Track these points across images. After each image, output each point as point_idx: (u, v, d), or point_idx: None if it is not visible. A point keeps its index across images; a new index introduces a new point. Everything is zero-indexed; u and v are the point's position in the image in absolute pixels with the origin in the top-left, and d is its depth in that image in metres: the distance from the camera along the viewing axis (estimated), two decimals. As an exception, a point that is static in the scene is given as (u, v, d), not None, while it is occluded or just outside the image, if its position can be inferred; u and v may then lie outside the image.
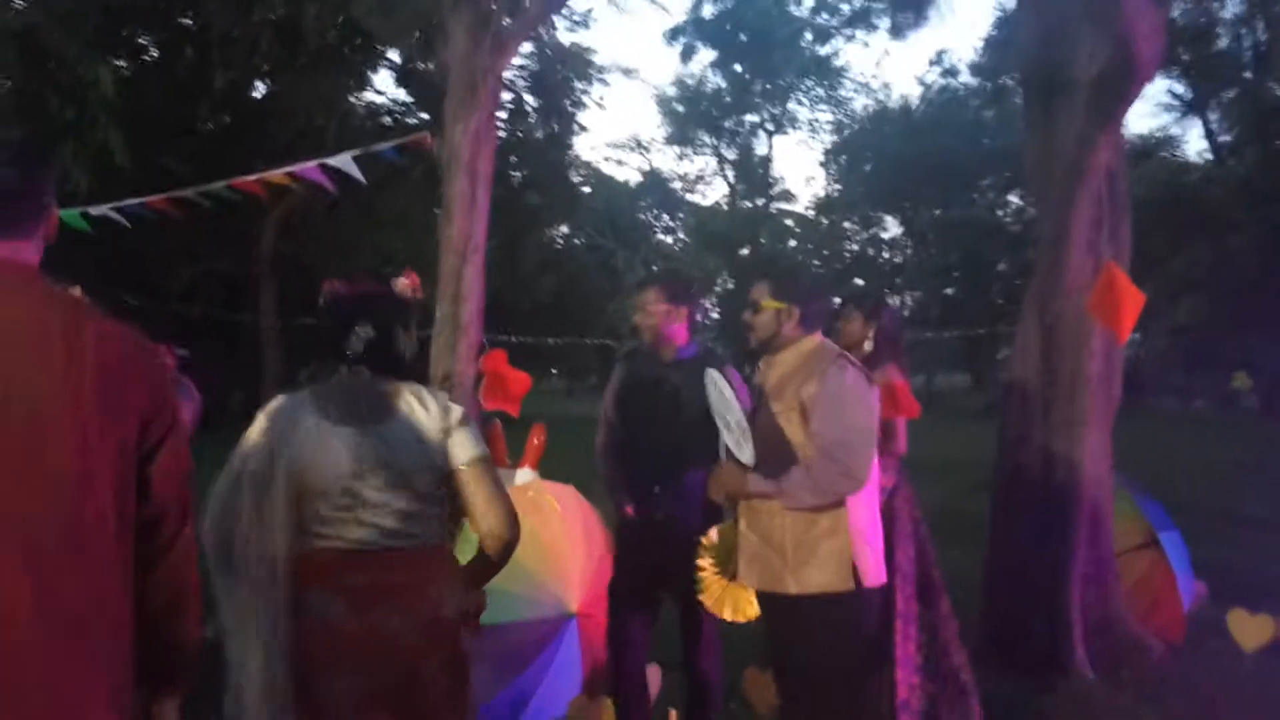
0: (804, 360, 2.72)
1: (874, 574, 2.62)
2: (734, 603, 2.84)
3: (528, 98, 20.27)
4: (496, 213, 5.37)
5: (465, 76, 4.64)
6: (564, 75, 20.85)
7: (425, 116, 18.75)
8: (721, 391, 2.69)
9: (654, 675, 3.46)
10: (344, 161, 4.77)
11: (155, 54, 16.50)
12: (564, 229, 28.82)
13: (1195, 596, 4.81)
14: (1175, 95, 21.73)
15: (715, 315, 40.96)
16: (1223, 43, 19.11)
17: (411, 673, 1.86)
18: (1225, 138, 19.52)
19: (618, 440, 3.34)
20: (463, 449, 1.95)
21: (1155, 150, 29.66)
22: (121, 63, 13.45)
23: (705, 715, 3.25)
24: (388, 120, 19.78)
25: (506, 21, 4.88)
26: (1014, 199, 34.09)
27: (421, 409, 1.96)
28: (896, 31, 14.88)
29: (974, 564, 4.62)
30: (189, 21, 15.86)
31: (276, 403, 1.97)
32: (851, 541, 2.57)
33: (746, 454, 2.58)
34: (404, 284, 2.09)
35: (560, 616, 3.35)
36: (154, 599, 1.45)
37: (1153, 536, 4.64)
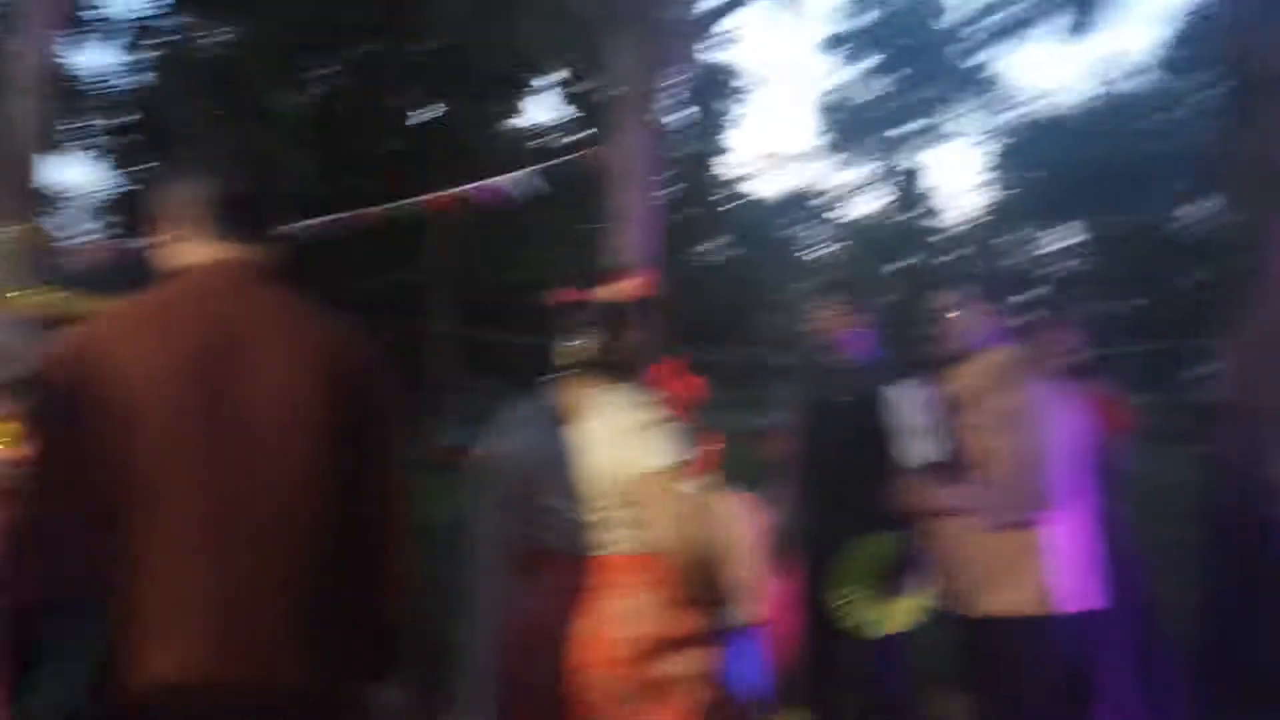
0: (996, 371, 2.60)
1: (1075, 599, 2.46)
2: (889, 615, 2.75)
3: (685, 111, 20.51)
4: (653, 225, 5.45)
5: (627, 95, 4.76)
6: (720, 88, 20.95)
7: (587, 133, 19.31)
8: (900, 402, 2.61)
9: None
10: (515, 179, 4.97)
11: (337, 83, 17.74)
12: (719, 241, 28.85)
13: None
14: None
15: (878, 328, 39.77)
16: None
17: (580, 679, 1.85)
18: None
19: (801, 455, 3.28)
20: (649, 454, 1.88)
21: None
22: (306, 92, 14.48)
23: None
24: (553, 139, 20.47)
25: (667, 40, 4.97)
26: (1202, 205, 31.55)
27: (619, 412, 1.92)
28: (1077, 30, 14.04)
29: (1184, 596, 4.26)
30: (366, 51, 16.94)
31: (512, 408, 2.06)
32: (1048, 562, 2.42)
33: (932, 462, 2.49)
34: (630, 286, 2.07)
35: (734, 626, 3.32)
36: (370, 587, 1.52)
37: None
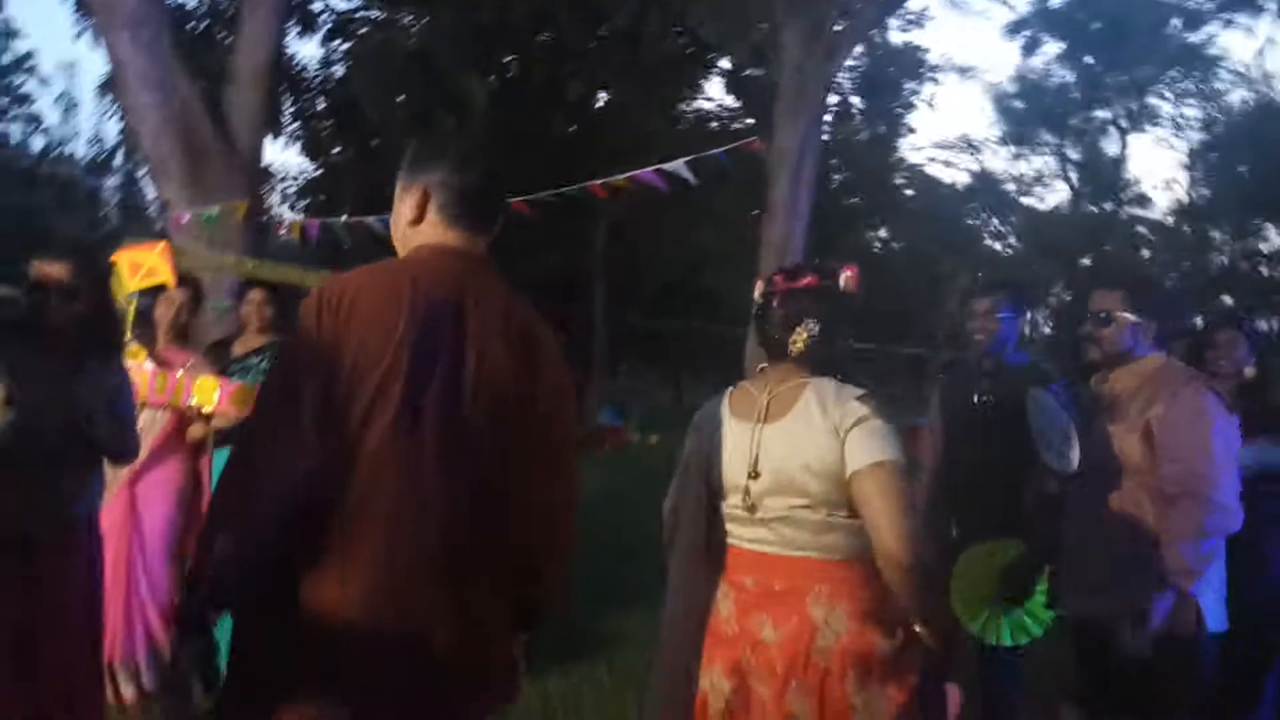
0: (1149, 379, 2.55)
1: (1213, 619, 2.39)
2: (1009, 626, 2.67)
3: (854, 99, 20.10)
4: (814, 214, 5.45)
5: (796, 82, 4.78)
6: (893, 76, 20.38)
7: (751, 121, 19.27)
8: (1044, 405, 2.59)
9: (953, 695, 3.37)
10: (677, 166, 5.11)
11: (517, 70, 18.47)
12: (883, 232, 28.04)
13: None
14: None
15: (1048, 329, 37.78)
16: None
17: (778, 690, 1.74)
18: None
19: (940, 455, 3.25)
20: (859, 452, 1.74)
21: None
22: (491, 79, 15.20)
23: None
24: (716, 125, 20.54)
25: (839, 27, 4.95)
26: None
27: (821, 407, 1.80)
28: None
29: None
30: (545, 38, 17.54)
31: (713, 399, 2.03)
32: (1186, 579, 2.36)
33: (1070, 465, 2.46)
34: (848, 277, 1.95)
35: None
36: (533, 552, 1.66)
37: None
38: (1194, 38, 29.97)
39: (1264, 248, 35.06)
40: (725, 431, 1.92)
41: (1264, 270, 35.17)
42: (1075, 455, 2.47)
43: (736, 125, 20.65)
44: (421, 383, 1.51)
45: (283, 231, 6.74)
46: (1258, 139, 30.52)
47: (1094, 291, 2.73)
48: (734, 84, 20.36)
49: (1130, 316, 2.58)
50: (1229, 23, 28.57)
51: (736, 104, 21.06)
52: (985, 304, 3.14)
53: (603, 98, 19.29)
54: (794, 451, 1.79)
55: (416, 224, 1.68)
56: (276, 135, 16.24)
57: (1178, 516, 2.40)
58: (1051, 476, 2.63)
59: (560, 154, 17.19)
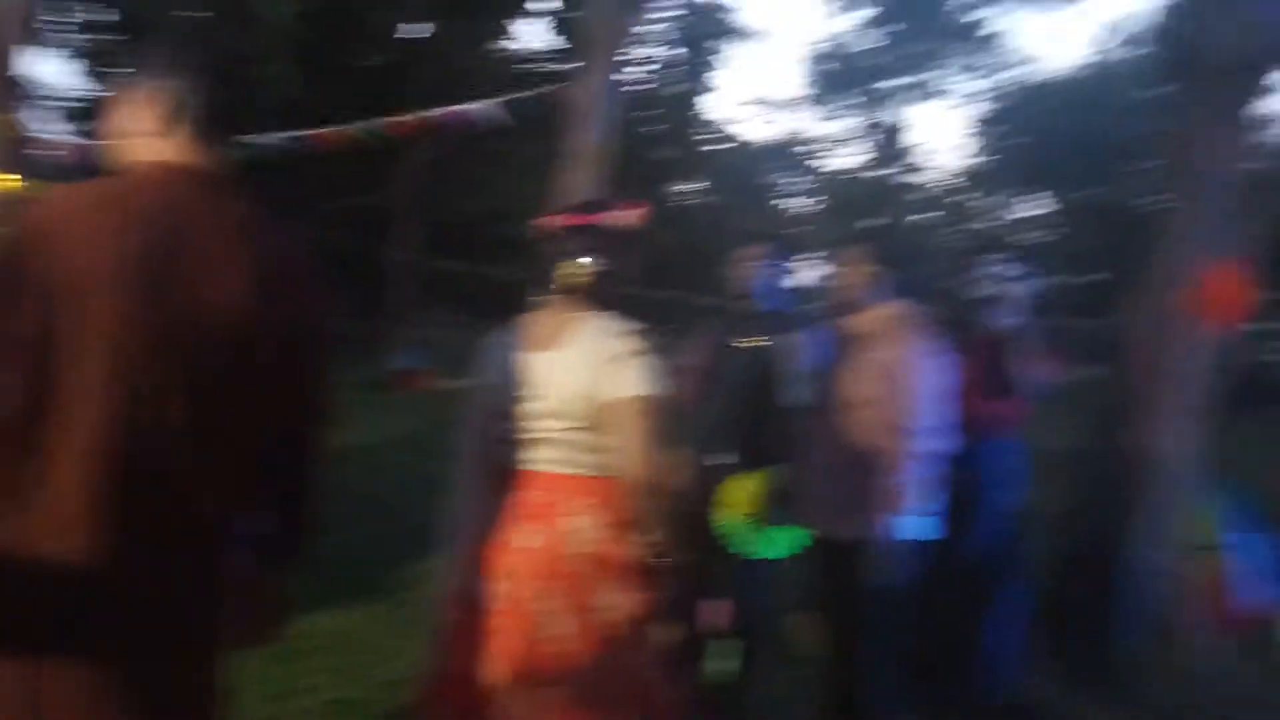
0: (886, 323, 2.92)
1: (915, 529, 2.82)
2: (766, 542, 3.05)
3: (664, 51, 20.39)
4: (620, 165, 5.62)
5: (600, 31, 4.90)
6: (702, 32, 20.81)
7: (573, 65, 19.12)
8: (787, 347, 2.92)
9: (722, 609, 3.72)
10: (492, 106, 5.13)
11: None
12: (689, 185, 28.80)
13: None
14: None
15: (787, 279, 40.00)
16: None
17: (534, 591, 1.92)
18: None
19: (700, 393, 3.54)
20: (622, 383, 1.90)
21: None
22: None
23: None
24: (534, 65, 20.27)
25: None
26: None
27: (595, 339, 1.95)
28: None
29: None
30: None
31: (499, 331, 2.13)
32: (897, 494, 2.77)
33: (798, 401, 2.81)
34: (633, 215, 2.05)
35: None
36: (288, 490, 1.62)
37: (1228, 538, 4.61)
38: (983, 14, 32.39)
39: (1030, 214, 38.79)
40: (510, 360, 2.05)
41: (1031, 234, 39.03)
42: (806, 392, 2.81)
43: (556, 66, 20.50)
44: (136, 313, 1.39)
45: (54, 152, 6.21)
46: (1032, 113, 33.59)
47: (841, 249, 3.07)
48: (554, 25, 20.12)
49: (869, 268, 2.94)
50: (1015, 4, 31.04)
51: (557, 46, 20.85)
52: (746, 255, 3.39)
53: (417, 31, 18.58)
54: (569, 379, 1.94)
55: (139, 135, 1.54)
56: (47, 46, 14.61)
57: (902, 444, 2.79)
58: (794, 411, 2.97)
59: (368, 86, 16.47)
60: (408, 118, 5.51)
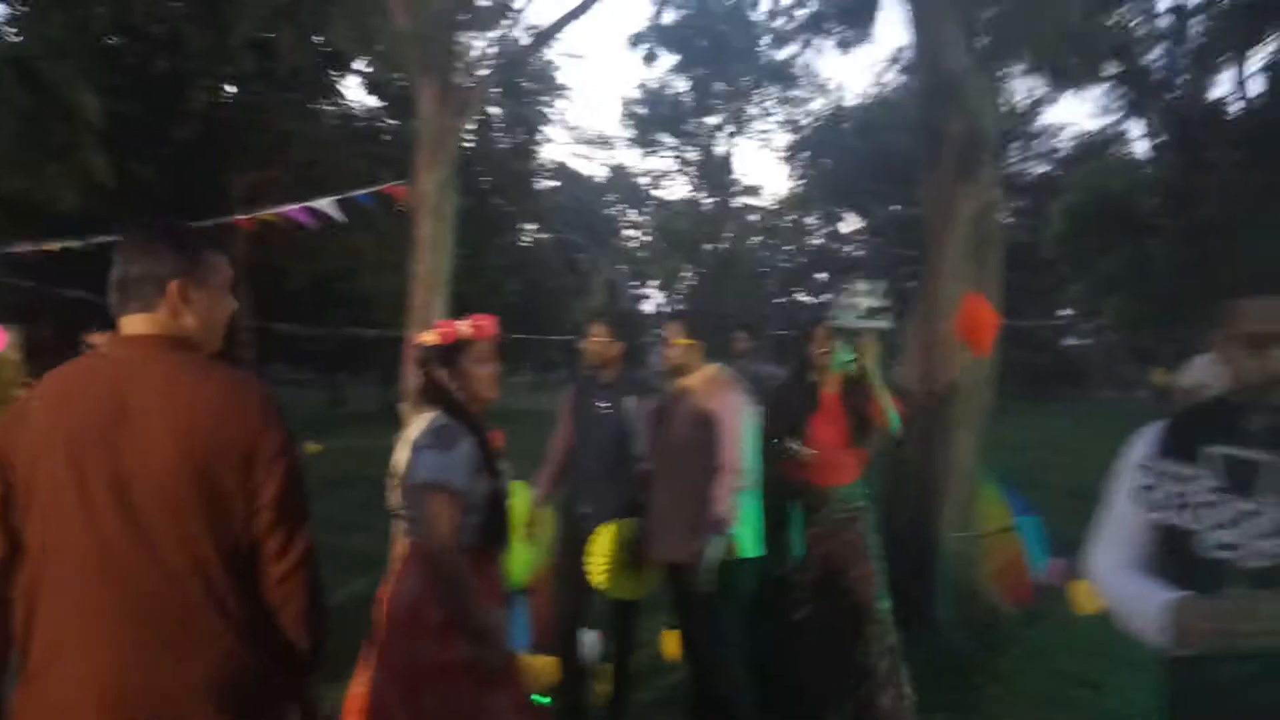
0: (706, 383, 3.57)
1: (750, 549, 3.46)
2: (623, 585, 3.63)
3: (494, 110, 20.99)
4: (465, 220, 6.01)
5: (432, 134, 5.38)
6: (529, 89, 21.53)
7: (394, 122, 19.35)
8: (630, 409, 3.54)
9: (590, 639, 4.23)
10: (328, 204, 5.51)
11: (131, 62, 16.95)
12: (531, 227, 29.52)
13: (1055, 571, 5.67)
14: (1114, 100, 22.82)
15: (679, 308, 41.61)
16: (1154, 54, 20.23)
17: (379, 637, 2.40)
18: (1152, 143, 20.66)
19: (569, 445, 3.99)
20: (416, 470, 2.35)
21: (1102, 150, 30.82)
22: (104, 87, 13.98)
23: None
24: (359, 126, 20.38)
25: (469, 84, 5.63)
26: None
27: (414, 433, 2.42)
28: (844, 46, 15.78)
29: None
30: (164, 36, 16.31)
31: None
32: (727, 525, 3.40)
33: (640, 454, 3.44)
34: (442, 330, 2.54)
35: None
36: (283, 611, 1.62)
37: (1013, 521, 5.51)
38: (782, 54, 34.69)
39: (844, 229, 41.59)
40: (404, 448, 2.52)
41: (847, 249, 41.82)
42: (645, 444, 3.45)
43: (379, 123, 20.69)
44: (80, 484, 1.53)
45: None
46: (835, 138, 36.21)
47: (666, 323, 3.70)
48: (373, 87, 20.33)
49: (685, 341, 3.58)
50: (807, 43, 33.42)
51: (379, 104, 21.05)
52: (596, 329, 3.90)
53: (233, 99, 18.36)
54: (400, 464, 2.44)
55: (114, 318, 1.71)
56: None
57: (720, 481, 3.41)
58: (637, 462, 3.60)
59: (185, 158, 16.18)
60: (244, 218, 5.80)
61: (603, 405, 3.86)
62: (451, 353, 2.51)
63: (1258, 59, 16.60)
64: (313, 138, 17.42)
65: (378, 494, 2.89)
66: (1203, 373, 4.36)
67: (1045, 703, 4.30)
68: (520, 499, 3.51)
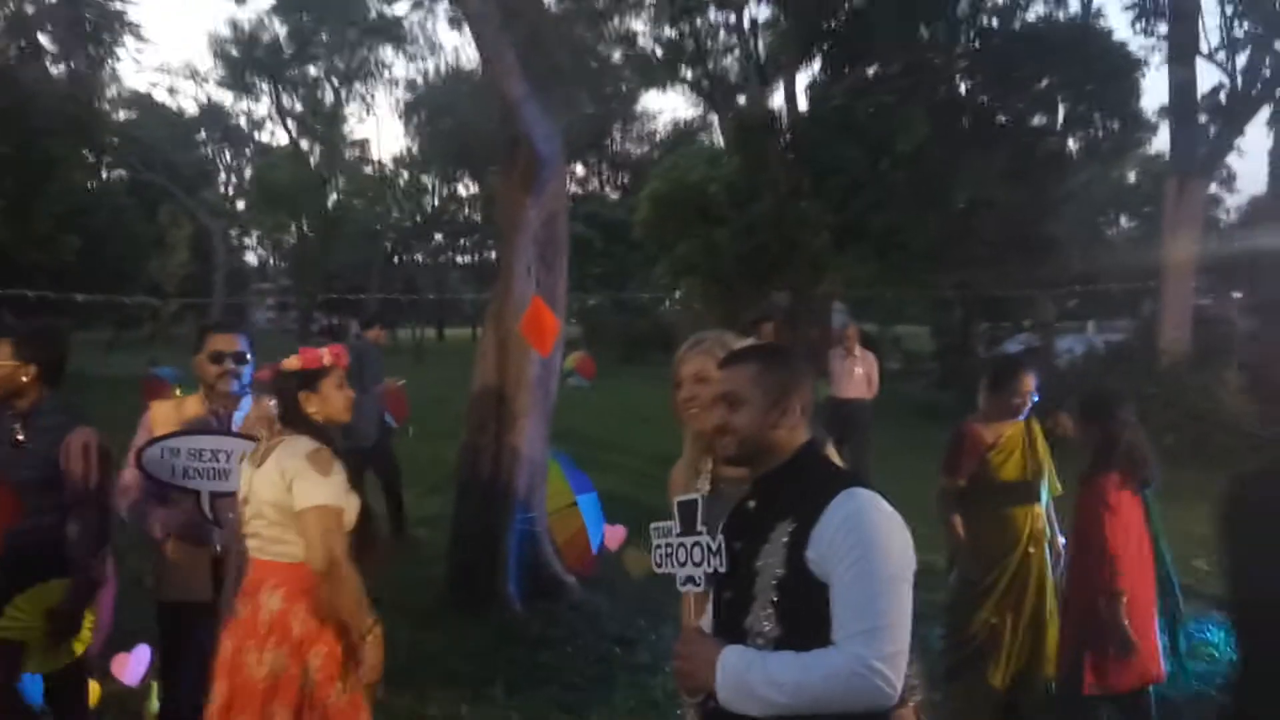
0: (260, 418, 3.48)
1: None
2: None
3: (44, 39, 17.89)
4: (4, 166, 5.15)
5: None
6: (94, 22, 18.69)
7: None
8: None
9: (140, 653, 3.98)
10: None
11: None
12: (96, 164, 25.62)
13: (613, 536, 6.42)
14: (694, 100, 25.42)
15: (284, 265, 38.83)
16: (726, 63, 22.91)
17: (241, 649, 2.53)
18: (723, 143, 23.45)
19: None
20: (298, 496, 2.49)
21: (691, 139, 34.19)
22: None
23: None
24: None
25: None
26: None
27: (282, 459, 2.52)
28: (454, 25, 15.81)
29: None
30: None
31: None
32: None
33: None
34: (305, 356, 2.66)
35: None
36: None
37: (575, 499, 6.15)
38: (392, 10, 33.76)
39: (463, 192, 41.75)
40: (239, 472, 2.73)
41: (465, 211, 41.99)
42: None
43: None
44: None
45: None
46: (454, 100, 36.02)
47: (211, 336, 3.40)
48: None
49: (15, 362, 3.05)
50: (419, 3, 32.86)
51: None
52: (223, 343, 3.26)
53: None
54: (263, 488, 2.54)
55: None
56: None
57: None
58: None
59: None
60: None
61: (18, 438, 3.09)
62: (312, 378, 2.65)
63: (805, 75, 19.47)
64: None
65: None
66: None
67: (592, 661, 4.88)
68: None
